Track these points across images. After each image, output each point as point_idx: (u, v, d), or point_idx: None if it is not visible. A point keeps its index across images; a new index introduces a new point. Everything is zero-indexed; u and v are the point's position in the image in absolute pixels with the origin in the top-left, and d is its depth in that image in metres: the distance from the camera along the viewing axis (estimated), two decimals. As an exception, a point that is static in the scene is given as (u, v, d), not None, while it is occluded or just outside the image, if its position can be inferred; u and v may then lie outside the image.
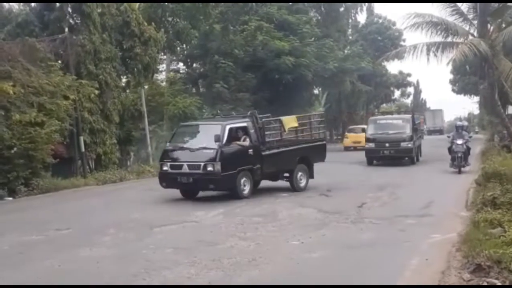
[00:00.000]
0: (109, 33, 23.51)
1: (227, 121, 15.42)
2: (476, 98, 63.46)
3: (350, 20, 55.76)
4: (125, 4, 24.24)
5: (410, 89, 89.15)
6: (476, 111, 78.98)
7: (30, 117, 17.31)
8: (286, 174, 16.24)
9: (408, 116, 26.46)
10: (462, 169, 20.00)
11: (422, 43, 30.34)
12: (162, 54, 32.52)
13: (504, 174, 13.18)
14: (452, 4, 29.42)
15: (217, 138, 14.18)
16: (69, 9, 22.77)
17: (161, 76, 35.70)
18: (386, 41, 62.40)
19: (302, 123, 17.34)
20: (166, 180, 15.02)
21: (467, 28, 29.93)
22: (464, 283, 6.88)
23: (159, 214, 12.63)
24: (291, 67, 33.71)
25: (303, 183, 16.39)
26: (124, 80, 26.99)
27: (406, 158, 24.60)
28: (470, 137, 21.10)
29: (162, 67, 36.01)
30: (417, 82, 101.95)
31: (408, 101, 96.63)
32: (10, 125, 17.05)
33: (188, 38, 30.89)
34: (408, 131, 24.39)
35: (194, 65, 36.82)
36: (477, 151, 28.16)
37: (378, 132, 24.75)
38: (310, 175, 16.76)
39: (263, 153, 15.37)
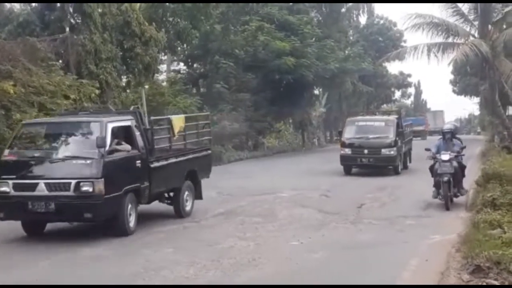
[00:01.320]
0: (110, 33, 23.49)
1: (107, 118, 10.77)
2: (477, 99, 63.40)
3: (351, 21, 55.76)
4: (126, 4, 24.22)
5: (411, 90, 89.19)
6: (477, 112, 78.89)
7: (31, 117, 17.30)
8: (168, 195, 12.32)
9: (393, 118, 22.28)
10: (454, 199, 13.36)
11: (423, 44, 30.40)
12: (163, 54, 32.50)
13: (504, 175, 13.16)
14: (453, 5, 29.47)
15: (101, 142, 9.69)
16: (70, 9, 22.75)
17: (162, 76, 35.67)
18: (387, 42, 62.36)
19: (189, 126, 13.68)
20: (6, 208, 9.91)
21: (468, 29, 29.98)
22: (464, 284, 6.89)
23: (159, 214, 12.63)
24: (292, 67, 33.69)
25: (189, 205, 12.36)
26: (124, 80, 26.97)
27: (390, 167, 20.87)
28: (463, 148, 13.91)
29: (163, 67, 36.01)
30: (418, 82, 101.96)
31: (409, 102, 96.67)
32: (10, 125, 17.03)
33: (189, 38, 30.85)
34: (391, 135, 20.50)
35: (195, 65, 36.80)
36: (477, 152, 28.14)
37: (356, 136, 21.00)
38: (197, 194, 12.88)
39: (151, 166, 11.07)
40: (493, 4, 28.73)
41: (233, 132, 30.46)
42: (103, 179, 9.54)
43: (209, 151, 14.10)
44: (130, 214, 10.27)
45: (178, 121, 13.00)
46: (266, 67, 34.34)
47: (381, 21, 65.27)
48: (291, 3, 39.91)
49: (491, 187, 12.50)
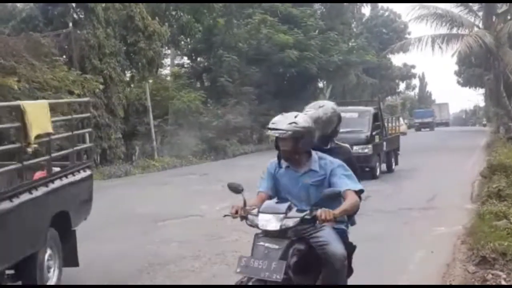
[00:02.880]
0: (113, 27, 23.50)
1: None
2: (482, 90, 63.23)
3: (355, 13, 55.60)
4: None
5: (416, 82, 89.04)
6: (482, 103, 78.70)
7: (35, 112, 17.34)
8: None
9: (368, 108, 18.83)
10: None
11: (427, 35, 30.35)
12: (166, 48, 32.52)
13: (509, 166, 13.13)
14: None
15: None
16: (73, 4, 22.77)
17: (166, 71, 35.70)
18: (391, 34, 62.23)
19: (58, 123, 8.30)
20: None
21: (472, 20, 29.88)
22: (469, 276, 6.87)
23: (164, 208, 12.64)
24: (295, 60, 33.63)
25: (53, 277, 6.53)
26: (128, 74, 27.00)
27: (367, 169, 17.04)
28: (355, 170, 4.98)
29: (166, 61, 36.02)
30: (423, 74, 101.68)
31: (413, 93, 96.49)
32: (14, 121, 17.09)
33: (192, 32, 30.85)
34: (365, 129, 17.33)
35: (198, 59, 36.80)
36: (483, 143, 28.07)
37: None
38: (70, 257, 6.99)
39: None
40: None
41: (237, 125, 30.47)
42: None
43: (89, 172, 8.07)
44: None
45: (36, 111, 6.46)
46: (269, 60, 34.31)
47: (385, 13, 65.12)
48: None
49: (497, 178, 12.47)
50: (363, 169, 15.70)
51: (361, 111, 18.33)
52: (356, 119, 17.30)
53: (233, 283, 4.37)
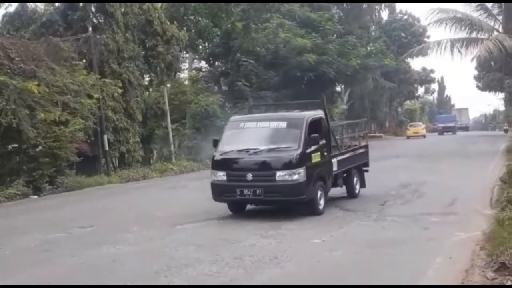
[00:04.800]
0: (132, 32, 23.72)
1: None
2: (501, 95, 62.65)
3: (373, 17, 55.48)
4: (148, 3, 24.39)
5: (434, 86, 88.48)
6: (502, 108, 77.97)
7: (55, 116, 17.53)
8: None
9: (302, 114, 12.66)
10: None
11: (446, 39, 30.11)
12: (185, 52, 32.71)
13: (530, 172, 12.98)
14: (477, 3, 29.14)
15: None
16: (93, 9, 23.00)
17: (184, 75, 35.91)
18: (410, 38, 61.91)
19: None
20: None
21: (492, 24, 29.61)
22: (488, 282, 6.80)
23: (181, 212, 12.69)
24: (313, 64, 33.62)
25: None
26: (147, 78, 27.21)
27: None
28: None
29: (185, 65, 36.22)
30: (442, 78, 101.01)
31: (432, 98, 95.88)
32: (35, 124, 17.28)
33: (210, 36, 31.02)
34: (294, 145, 11.73)
35: (216, 63, 36.93)
36: (502, 148, 27.76)
37: (238, 147, 12.10)
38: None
39: None
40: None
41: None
42: None
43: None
44: None
45: None
46: (287, 64, 34.32)
47: (404, 17, 64.79)
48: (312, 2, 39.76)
49: (517, 184, 12.32)
50: (289, 203, 12.00)
51: (292, 119, 12.53)
52: (283, 131, 12.19)
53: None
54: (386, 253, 8.58)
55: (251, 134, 12.28)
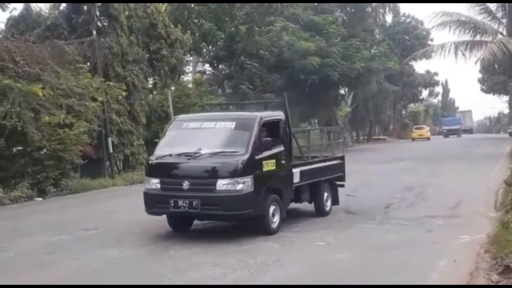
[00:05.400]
0: (136, 35, 23.76)
1: None
2: (506, 97, 62.58)
3: (377, 20, 55.49)
4: (152, 7, 24.46)
5: (439, 89, 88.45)
6: (506, 110, 77.85)
7: (59, 119, 17.56)
8: None
9: (255, 115, 10.78)
10: None
11: (450, 42, 30.12)
12: (189, 55, 32.75)
13: (534, 175, 12.95)
14: (481, 3, 29.12)
15: None
16: (97, 12, 23.06)
17: (188, 78, 35.93)
18: (414, 41, 61.90)
19: None
20: None
21: (496, 27, 29.58)
22: (493, 285, 6.79)
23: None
24: (317, 67, 33.61)
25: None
26: (151, 81, 27.24)
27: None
28: None
29: (189, 68, 36.27)
30: (446, 81, 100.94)
31: (436, 101, 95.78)
32: (39, 127, 17.32)
33: (214, 39, 31.05)
34: (241, 150, 9.90)
35: (220, 66, 36.98)
36: (507, 151, 27.71)
37: (177, 151, 10.29)
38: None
39: None
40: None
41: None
42: None
43: None
44: None
45: None
46: (291, 67, 34.33)
47: (407, 20, 64.81)
48: (316, 3, 39.80)
49: (521, 186, 12.29)
50: (232, 219, 10.42)
51: (241, 119, 10.68)
52: (230, 133, 10.32)
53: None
54: (390, 256, 8.57)
55: (194, 136, 10.49)
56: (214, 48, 34.67)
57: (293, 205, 11.78)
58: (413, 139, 55.90)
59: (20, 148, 17.77)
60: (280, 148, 10.62)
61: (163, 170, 10.29)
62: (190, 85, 33.43)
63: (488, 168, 20.86)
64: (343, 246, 9.12)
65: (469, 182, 17.44)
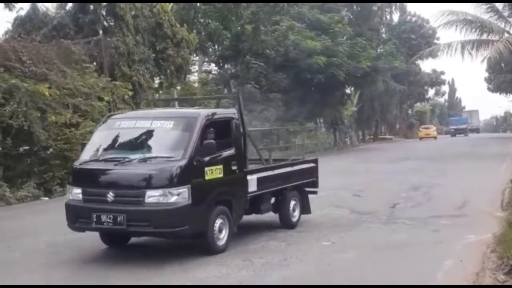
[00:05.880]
0: (142, 35, 23.79)
1: None
2: (513, 97, 62.47)
3: (383, 19, 55.43)
4: (158, 6, 24.50)
5: (445, 88, 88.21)
6: (513, 110, 77.64)
7: (66, 118, 17.61)
8: None
9: (197, 113, 9.07)
10: None
11: (456, 41, 30.02)
12: (195, 55, 32.78)
13: (541, 174, 12.91)
14: (487, 2, 29.03)
15: None
16: (103, 12, 23.12)
17: (194, 77, 36.00)
18: (420, 40, 61.78)
19: None
20: None
21: (502, 26, 29.47)
22: (499, 285, 6.77)
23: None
24: (323, 66, 33.58)
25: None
26: (157, 81, 27.28)
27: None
28: None
29: (195, 68, 36.31)
30: (452, 80, 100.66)
31: (443, 100, 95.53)
32: (46, 126, 17.37)
33: (220, 39, 31.08)
34: (178, 154, 8.26)
35: (226, 65, 37.00)
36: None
37: (106, 155, 8.79)
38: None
39: None
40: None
41: (264, 132, 30.50)
42: None
43: None
44: None
45: None
46: (297, 66, 34.32)
47: (414, 19, 64.69)
48: (321, 3, 39.77)
49: (528, 186, 12.26)
50: (165, 236, 8.70)
51: (181, 118, 9.01)
52: (167, 134, 8.78)
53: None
54: (396, 256, 8.56)
55: (126, 137, 8.94)
56: (220, 48, 34.70)
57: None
58: (421, 138, 56.94)
59: (27, 147, 17.83)
60: (230, 152, 9.04)
61: (86, 178, 8.72)
62: (196, 85, 33.52)
63: (495, 168, 20.80)
64: (349, 246, 9.11)
65: (476, 181, 17.39)
